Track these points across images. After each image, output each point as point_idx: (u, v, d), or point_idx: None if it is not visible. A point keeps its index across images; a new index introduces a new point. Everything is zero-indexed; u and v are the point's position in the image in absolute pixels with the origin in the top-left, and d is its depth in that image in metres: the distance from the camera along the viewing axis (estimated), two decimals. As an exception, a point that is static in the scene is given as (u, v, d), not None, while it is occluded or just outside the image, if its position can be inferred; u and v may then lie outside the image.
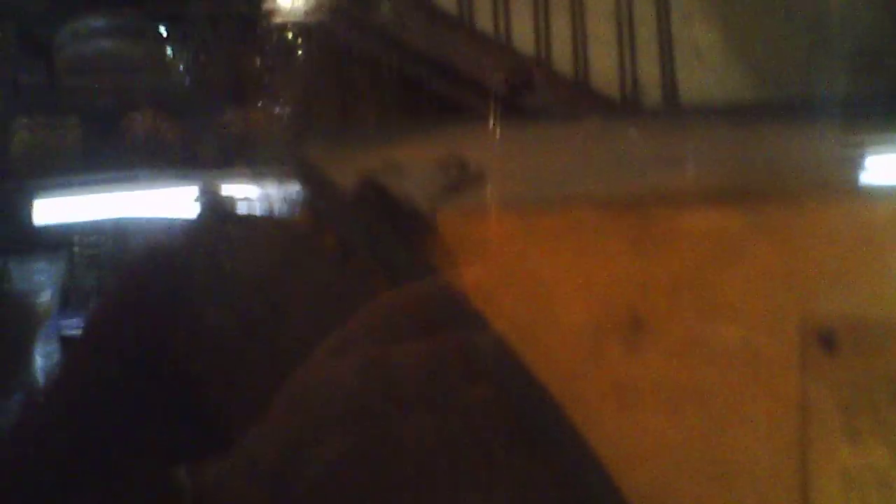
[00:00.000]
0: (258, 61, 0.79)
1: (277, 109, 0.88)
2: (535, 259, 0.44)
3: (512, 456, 0.42)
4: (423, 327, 0.43)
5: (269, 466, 0.43)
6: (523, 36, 0.57)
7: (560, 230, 0.44)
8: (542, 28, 0.56)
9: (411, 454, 0.41)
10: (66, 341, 1.39)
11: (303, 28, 0.66)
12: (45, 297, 1.45)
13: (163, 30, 1.43)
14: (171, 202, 1.36)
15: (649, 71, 0.56)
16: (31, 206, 1.38)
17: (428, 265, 0.45)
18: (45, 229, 1.47)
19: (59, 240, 1.54)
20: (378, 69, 0.61)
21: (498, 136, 0.50)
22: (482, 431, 0.42)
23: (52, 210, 1.41)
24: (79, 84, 1.43)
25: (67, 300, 1.59)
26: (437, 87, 0.58)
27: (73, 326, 1.44)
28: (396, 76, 0.60)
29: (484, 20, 0.57)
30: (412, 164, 0.48)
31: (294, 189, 0.51)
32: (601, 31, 0.56)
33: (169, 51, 1.42)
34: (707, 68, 0.56)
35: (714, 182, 0.46)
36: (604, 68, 0.56)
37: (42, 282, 1.50)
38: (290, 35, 0.75)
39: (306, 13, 0.64)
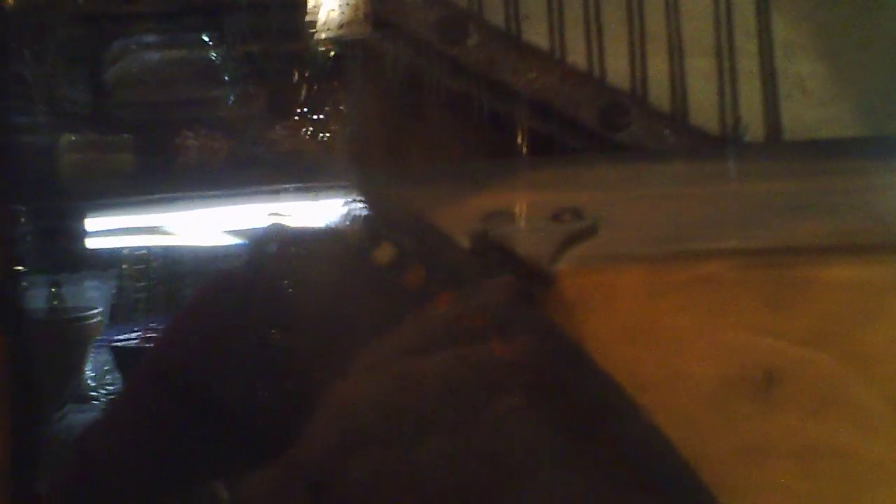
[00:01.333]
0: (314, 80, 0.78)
1: (333, 131, 0.87)
2: (660, 314, 0.43)
3: (551, 467, 0.41)
4: (455, 340, 0.42)
5: (306, 481, 0.43)
6: (618, 70, 0.55)
7: (687, 283, 0.43)
8: (638, 62, 0.55)
9: (440, 470, 0.41)
10: (117, 351, 1.40)
11: (361, 50, 0.65)
12: (97, 313, 1.46)
13: (210, 43, 1.42)
14: (225, 222, 1.35)
15: (751, 106, 0.54)
16: (83, 225, 1.38)
17: (547, 321, 0.44)
18: (96, 248, 1.47)
19: (109, 258, 1.54)
20: (465, 105, 0.60)
21: (608, 181, 0.49)
22: (513, 444, 0.41)
23: (103, 229, 1.41)
24: (129, 99, 1.43)
25: (116, 315, 1.60)
26: (529, 125, 0.57)
27: (123, 338, 1.46)
28: (484, 112, 0.59)
29: (577, 55, 0.56)
30: (521, 213, 0.46)
31: (366, 216, 0.50)
32: (700, 65, 0.54)
33: (217, 64, 1.42)
34: (812, 103, 0.54)
35: (849, 230, 0.44)
36: (703, 104, 0.54)
37: (93, 299, 1.50)
38: (342, 56, 0.74)
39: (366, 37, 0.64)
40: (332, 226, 0.51)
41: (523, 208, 0.46)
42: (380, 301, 0.44)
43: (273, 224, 0.78)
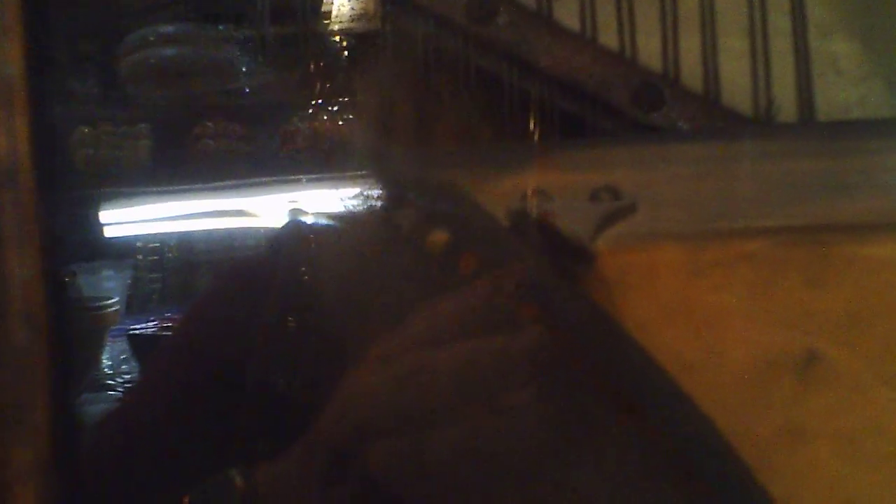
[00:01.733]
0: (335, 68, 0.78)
1: (352, 119, 0.87)
2: (701, 293, 0.43)
3: (563, 463, 0.41)
4: (465, 332, 0.42)
5: (319, 470, 0.43)
6: (650, 51, 0.55)
7: (728, 262, 0.43)
8: (670, 42, 0.54)
9: (449, 463, 0.40)
10: (134, 339, 1.40)
11: (379, 36, 0.64)
12: (114, 303, 1.46)
13: (227, 34, 1.42)
14: (243, 211, 1.35)
15: (785, 86, 0.54)
16: (99, 215, 1.38)
17: (588, 299, 0.43)
18: (112, 238, 1.48)
19: (124, 248, 1.54)
20: (494, 86, 0.60)
21: (643, 160, 0.48)
22: (523, 438, 0.41)
23: (119, 219, 1.41)
24: (145, 92, 1.43)
25: (132, 305, 1.61)
26: (559, 106, 0.56)
27: (140, 327, 1.46)
28: (513, 93, 0.58)
29: (608, 35, 0.55)
30: (559, 192, 0.46)
31: (417, 202, 0.50)
32: (733, 44, 0.54)
33: (234, 55, 1.42)
34: (846, 82, 0.54)
35: (890, 208, 0.44)
36: (736, 84, 0.53)
37: (110, 289, 1.51)
38: (358, 47, 0.73)
39: (391, 21, 0.63)
40: (371, 212, 0.51)
41: (561, 188, 0.45)
42: (431, 288, 0.44)
43: (294, 211, 0.77)
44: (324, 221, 0.65)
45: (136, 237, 1.61)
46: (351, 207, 0.51)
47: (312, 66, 0.90)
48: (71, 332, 0.42)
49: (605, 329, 0.41)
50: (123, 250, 1.57)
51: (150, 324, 1.47)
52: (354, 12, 0.74)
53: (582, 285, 0.43)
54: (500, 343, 0.42)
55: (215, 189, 1.37)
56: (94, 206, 1.40)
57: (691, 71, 0.57)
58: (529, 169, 0.50)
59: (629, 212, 0.44)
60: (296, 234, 0.68)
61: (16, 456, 0.40)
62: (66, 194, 0.42)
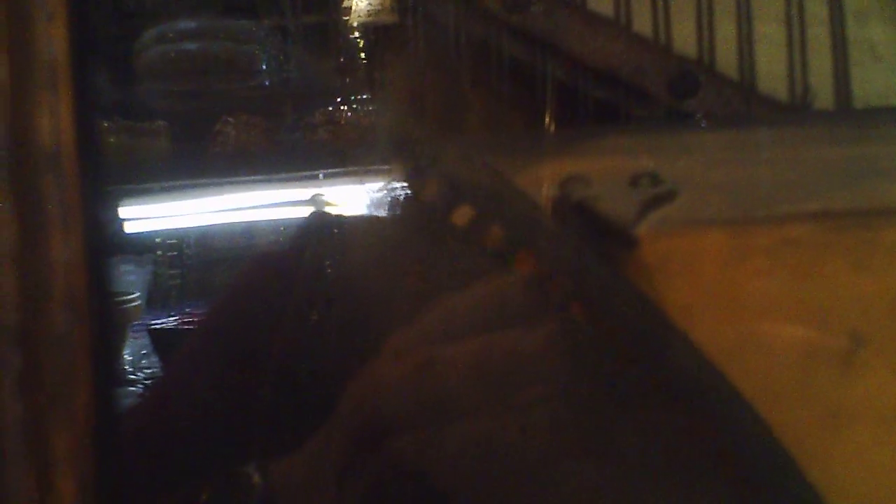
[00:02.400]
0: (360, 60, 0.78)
1: (376, 113, 0.87)
2: (744, 278, 0.43)
3: (582, 459, 0.41)
4: (481, 326, 0.42)
5: (334, 464, 0.43)
6: (685, 38, 0.55)
7: (772, 247, 0.42)
8: (706, 29, 0.54)
9: (467, 458, 0.40)
10: (155, 334, 1.41)
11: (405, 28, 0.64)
12: (135, 298, 1.47)
13: (248, 28, 1.42)
14: (265, 206, 1.35)
15: (821, 73, 0.53)
16: (119, 210, 1.39)
17: (629, 284, 0.43)
18: (133, 233, 1.48)
19: (146, 243, 1.55)
20: (529, 74, 0.59)
21: (682, 147, 0.48)
22: (539, 435, 0.41)
23: (140, 215, 1.42)
24: (162, 88, 1.43)
25: (153, 300, 1.62)
26: (594, 94, 0.56)
27: (161, 322, 1.47)
28: (550, 81, 0.58)
29: (643, 22, 0.55)
30: (599, 178, 0.46)
31: (441, 178, 0.49)
32: (769, 31, 0.54)
33: (254, 51, 1.42)
34: (883, 69, 0.53)
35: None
36: (772, 71, 0.53)
37: (131, 283, 1.51)
38: (379, 41, 0.73)
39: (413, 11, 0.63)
40: (395, 194, 0.51)
41: (599, 175, 0.45)
42: (458, 265, 0.44)
43: (317, 201, 0.77)
44: (347, 211, 0.65)
45: (157, 233, 1.61)
46: (375, 197, 0.51)
47: (334, 60, 0.90)
48: (112, 319, 0.42)
49: (648, 315, 0.41)
50: (144, 246, 1.58)
51: (171, 319, 1.47)
52: (373, 6, 0.74)
53: (623, 271, 0.43)
54: (514, 337, 0.41)
55: (235, 184, 1.37)
56: (115, 201, 1.40)
57: (727, 58, 0.57)
58: (566, 156, 0.50)
59: (670, 197, 0.44)
60: (319, 225, 0.68)
61: (57, 440, 0.40)
62: (107, 182, 0.42)
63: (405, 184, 0.51)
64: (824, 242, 0.42)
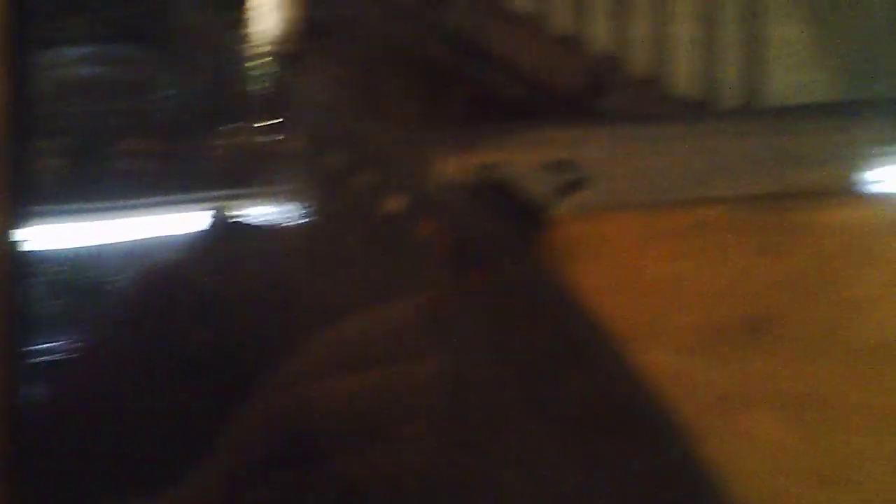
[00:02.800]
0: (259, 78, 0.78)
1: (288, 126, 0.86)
2: (651, 261, 0.43)
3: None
4: (370, 358, 0.42)
5: (219, 499, 0.43)
6: (601, 37, 0.55)
7: (680, 230, 0.43)
8: (620, 29, 0.55)
9: (356, 490, 0.40)
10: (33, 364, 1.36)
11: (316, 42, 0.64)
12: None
13: (146, 52, 1.40)
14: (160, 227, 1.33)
15: (731, 72, 0.55)
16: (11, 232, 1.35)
17: (543, 263, 0.43)
18: (27, 252, 1.44)
19: (37, 265, 1.50)
20: (450, 71, 0.60)
21: (596, 140, 0.49)
22: (419, 470, 0.41)
23: (32, 238, 1.37)
24: (61, 110, 1.40)
25: (35, 326, 1.56)
26: (510, 91, 0.57)
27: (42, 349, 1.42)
28: (468, 79, 0.59)
29: (560, 22, 0.56)
30: (518, 165, 0.46)
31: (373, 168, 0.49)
32: (682, 31, 0.55)
33: (154, 74, 1.40)
34: (793, 67, 0.55)
35: (840, 177, 0.45)
36: (683, 70, 0.54)
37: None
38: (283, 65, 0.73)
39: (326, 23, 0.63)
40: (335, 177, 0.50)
41: (520, 161, 0.45)
42: (388, 253, 0.43)
43: (218, 212, 0.75)
44: (252, 216, 0.63)
45: (45, 254, 1.57)
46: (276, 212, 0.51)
47: (238, 84, 0.89)
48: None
49: (552, 293, 0.41)
50: (36, 268, 1.53)
51: (52, 345, 1.42)
52: (274, 35, 0.74)
53: (536, 252, 0.43)
54: (401, 374, 0.41)
55: (130, 207, 1.35)
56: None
57: (640, 56, 0.58)
58: (488, 146, 0.50)
59: (584, 184, 0.45)
60: (222, 229, 0.66)
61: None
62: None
63: (336, 173, 0.50)
64: (731, 225, 0.43)
